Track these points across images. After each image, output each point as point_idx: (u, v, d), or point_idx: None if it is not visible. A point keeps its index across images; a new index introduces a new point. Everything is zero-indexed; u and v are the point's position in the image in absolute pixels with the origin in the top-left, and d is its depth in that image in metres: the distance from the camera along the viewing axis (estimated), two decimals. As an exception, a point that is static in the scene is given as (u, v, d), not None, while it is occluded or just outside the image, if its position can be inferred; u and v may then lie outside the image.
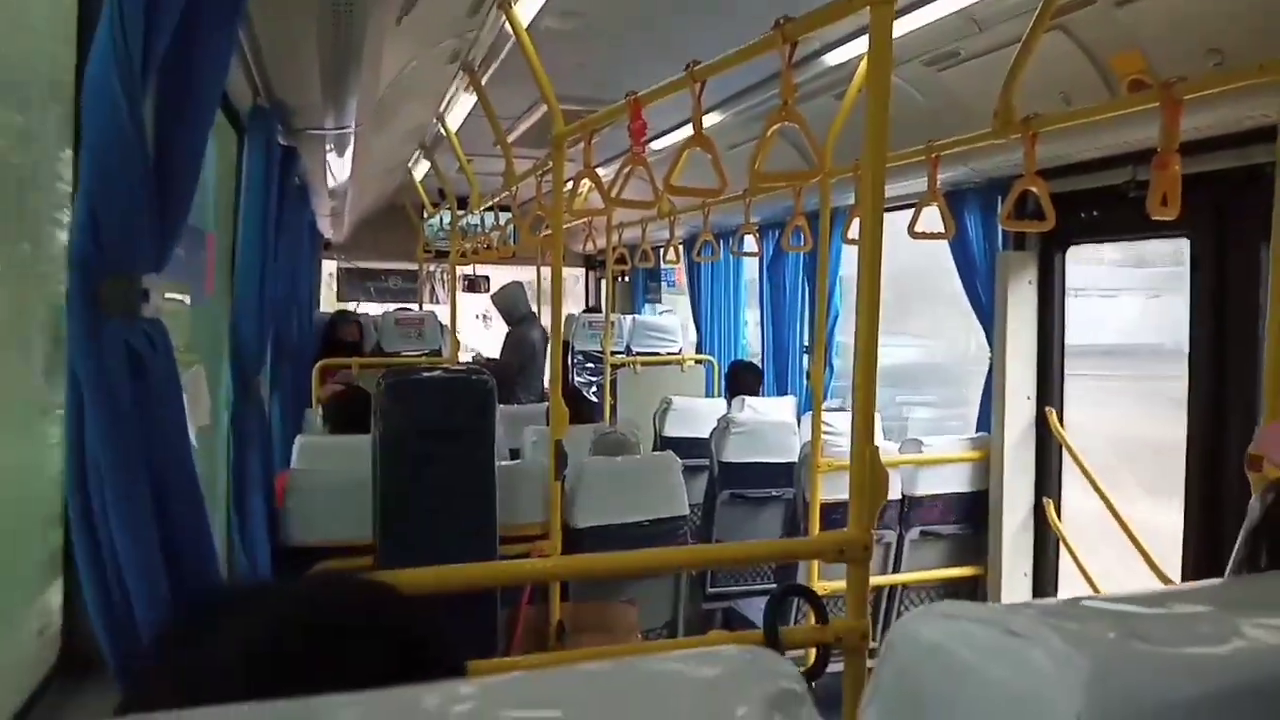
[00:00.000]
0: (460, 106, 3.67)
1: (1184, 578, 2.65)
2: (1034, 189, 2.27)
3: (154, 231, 1.03)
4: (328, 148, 3.18)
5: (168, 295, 1.82)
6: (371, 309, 7.08)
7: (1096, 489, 2.99)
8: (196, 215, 2.02)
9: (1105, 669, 0.34)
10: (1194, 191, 1.99)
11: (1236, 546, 0.95)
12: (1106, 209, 2.90)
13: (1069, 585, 3.31)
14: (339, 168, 3.67)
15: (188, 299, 2.07)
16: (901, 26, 2.44)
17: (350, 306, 7.22)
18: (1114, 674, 0.34)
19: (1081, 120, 2.19)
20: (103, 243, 0.98)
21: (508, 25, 2.52)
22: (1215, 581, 0.50)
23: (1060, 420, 3.26)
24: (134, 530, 1.00)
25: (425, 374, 2.50)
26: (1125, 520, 2.87)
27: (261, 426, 2.53)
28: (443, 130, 3.98)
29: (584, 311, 6.99)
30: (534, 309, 6.24)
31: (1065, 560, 3.26)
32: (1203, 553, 2.61)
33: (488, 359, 6.41)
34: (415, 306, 7.07)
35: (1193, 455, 2.69)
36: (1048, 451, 3.32)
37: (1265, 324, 1.78)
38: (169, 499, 1.06)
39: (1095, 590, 3.00)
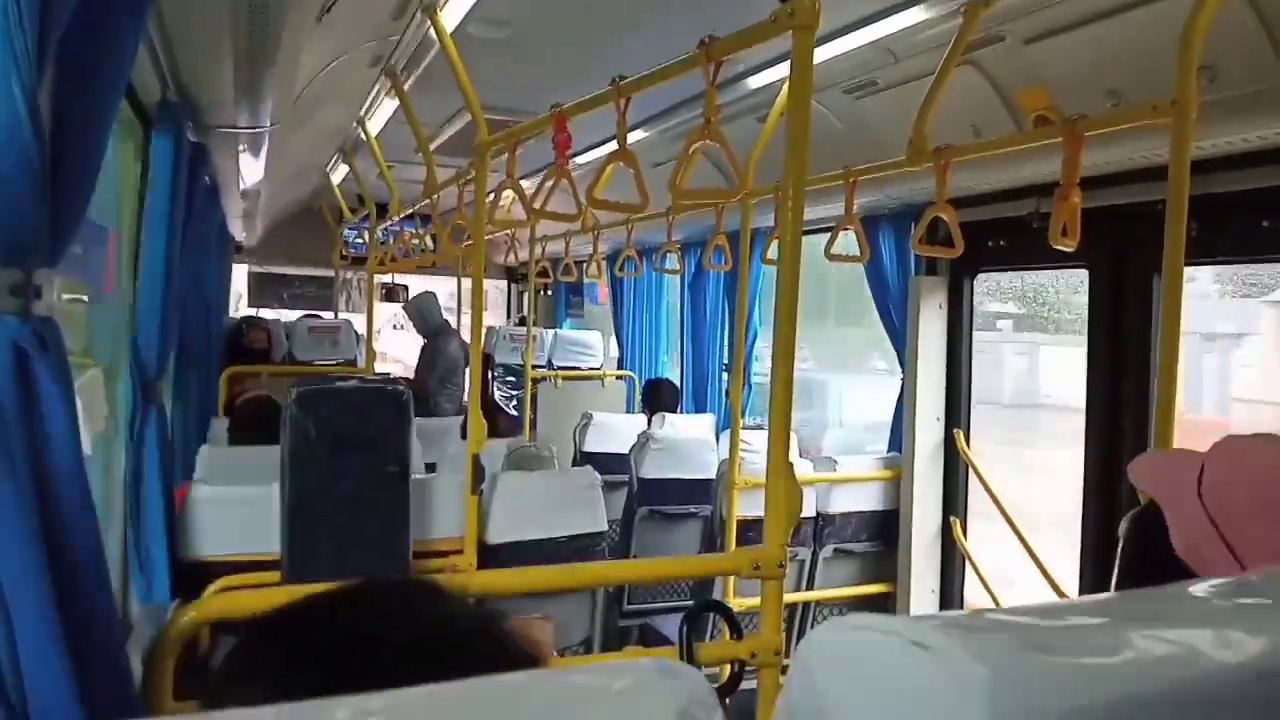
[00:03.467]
0: (382, 111, 3.61)
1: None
2: (944, 216, 2.36)
3: (48, 224, 0.97)
4: (241, 147, 3.08)
5: (66, 295, 1.73)
6: (284, 316, 6.88)
7: (1000, 509, 3.10)
8: (99, 211, 1.93)
9: (1005, 679, 0.35)
10: (1093, 225, 2.09)
11: (1115, 569, 1.01)
12: (1012, 238, 3.03)
13: (974, 602, 3.42)
14: (252, 168, 3.55)
15: (86, 298, 1.97)
16: (822, 54, 2.50)
17: (258, 312, 6.99)
18: (1013, 684, 0.35)
19: (990, 152, 2.28)
20: (-11, 235, 0.92)
21: (432, 31, 2.49)
22: (1111, 595, 0.52)
23: (967, 442, 3.37)
24: (16, 546, 0.94)
25: (338, 383, 2.44)
26: (1026, 538, 2.99)
27: (162, 435, 2.42)
28: (363, 135, 3.91)
29: (513, 323, 6.93)
30: (453, 320, 6.16)
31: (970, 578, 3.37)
32: (1097, 574, 2.73)
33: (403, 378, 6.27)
34: (330, 314, 6.90)
35: (1089, 480, 2.81)
36: (955, 472, 3.42)
37: (1157, 353, 1.88)
38: (58, 513, 1.00)
39: (998, 607, 3.10)
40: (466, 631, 0.59)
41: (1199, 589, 0.48)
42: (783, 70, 2.73)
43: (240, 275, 7.68)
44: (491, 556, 2.62)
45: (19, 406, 0.95)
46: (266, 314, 6.85)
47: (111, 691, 1.05)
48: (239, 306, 7.70)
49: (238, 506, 2.53)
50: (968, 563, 3.34)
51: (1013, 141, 2.27)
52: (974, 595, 3.38)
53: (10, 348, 0.94)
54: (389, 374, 6.64)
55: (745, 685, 1.58)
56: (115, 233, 2.49)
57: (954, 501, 3.43)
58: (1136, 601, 0.48)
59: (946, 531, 3.42)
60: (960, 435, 3.36)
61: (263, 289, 7.81)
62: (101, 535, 1.11)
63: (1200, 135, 1.84)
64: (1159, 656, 0.38)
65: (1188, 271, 1.74)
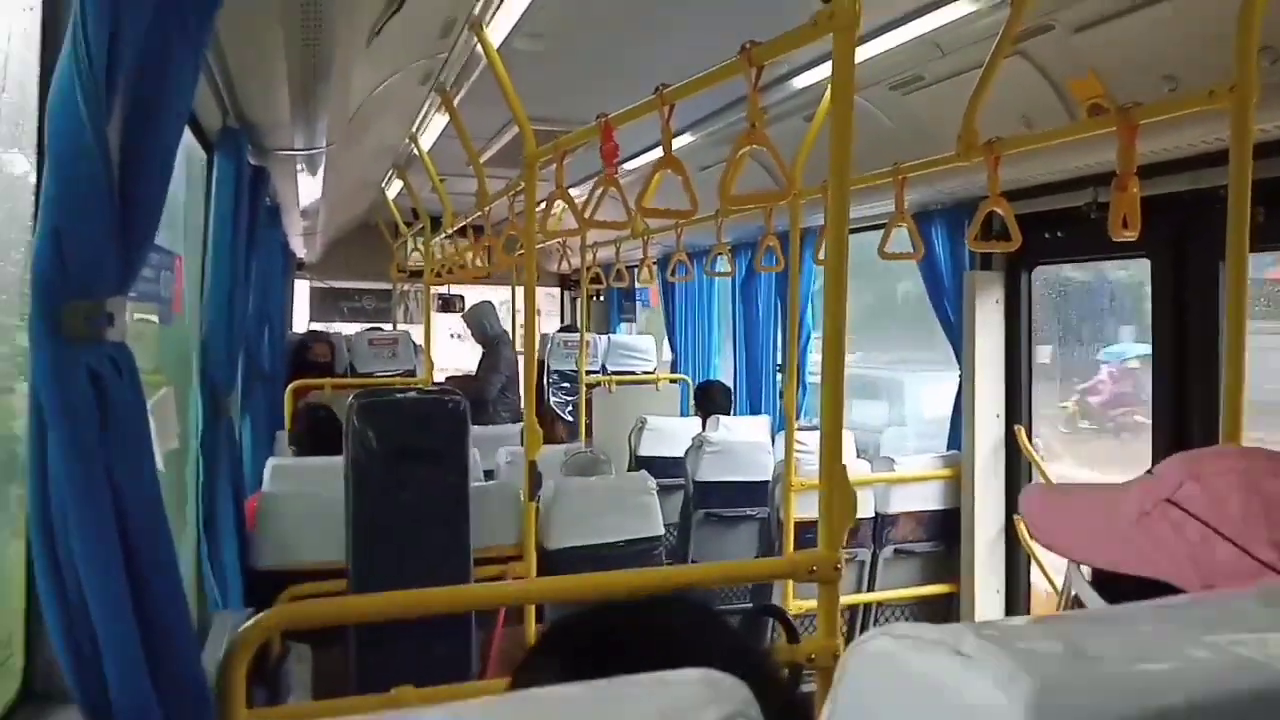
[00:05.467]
0: (433, 127, 3.68)
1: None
2: (999, 210, 2.31)
3: (119, 253, 1.02)
4: (299, 167, 3.17)
5: (138, 316, 1.80)
6: (345, 329, 7.04)
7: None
8: (166, 237, 2.00)
9: (1051, 688, 0.34)
10: (1154, 213, 2.03)
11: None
12: (1069, 230, 2.96)
13: (1041, 602, 3.34)
14: (310, 187, 3.65)
15: (156, 319, 2.05)
16: (866, 51, 2.48)
17: (321, 327, 7.17)
18: (1059, 693, 0.34)
19: (1042, 144, 2.23)
20: (66, 265, 0.97)
21: (479, 46, 2.54)
22: (1166, 600, 0.52)
23: (1029, 437, 3.29)
24: (97, 559, 0.98)
25: (398, 395, 2.49)
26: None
27: (232, 449, 2.50)
28: (415, 150, 3.98)
29: (559, 330, 6.99)
30: (508, 328, 6.23)
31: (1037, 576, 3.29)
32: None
33: (463, 376, 6.35)
34: (389, 326, 7.03)
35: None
36: (1017, 469, 3.35)
37: (1224, 341, 1.82)
38: (136, 529, 1.05)
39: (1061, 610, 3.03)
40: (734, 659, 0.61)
41: (1256, 595, 0.47)
42: (827, 69, 2.71)
43: (302, 291, 7.89)
44: (550, 562, 2.65)
45: (97, 429, 1.00)
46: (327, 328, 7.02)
47: (189, 697, 1.10)
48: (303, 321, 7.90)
49: (305, 516, 2.61)
50: (1033, 561, 3.26)
51: (1066, 132, 2.21)
52: (1041, 594, 3.31)
53: (87, 373, 0.99)
54: (446, 383, 6.75)
55: (805, 689, 1.58)
56: (181, 257, 2.58)
57: (1016, 499, 3.36)
58: (1192, 607, 0.47)
59: (1010, 530, 3.35)
60: (1021, 432, 3.28)
61: (324, 304, 8.00)
62: (176, 547, 1.16)
63: (1263, 118, 1.78)
64: (1214, 664, 0.38)
65: None
